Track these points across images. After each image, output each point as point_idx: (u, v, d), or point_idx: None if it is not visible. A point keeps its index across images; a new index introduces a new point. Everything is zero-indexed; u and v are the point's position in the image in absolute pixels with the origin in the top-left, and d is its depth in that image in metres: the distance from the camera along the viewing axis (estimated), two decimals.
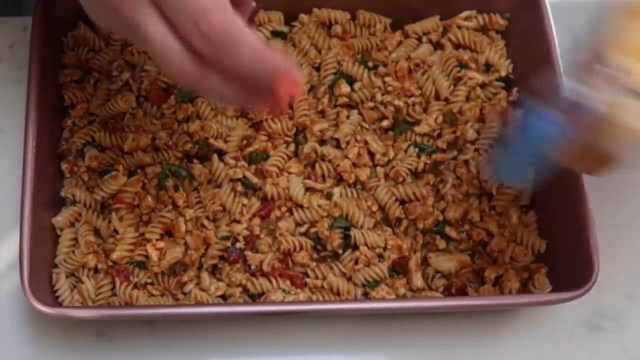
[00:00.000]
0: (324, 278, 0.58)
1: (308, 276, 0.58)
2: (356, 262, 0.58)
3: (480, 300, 0.57)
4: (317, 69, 0.64)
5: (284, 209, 0.60)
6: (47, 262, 0.57)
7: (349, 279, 0.58)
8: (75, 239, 0.58)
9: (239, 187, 0.60)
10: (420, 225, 0.59)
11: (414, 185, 0.60)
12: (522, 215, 0.61)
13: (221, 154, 0.61)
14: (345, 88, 0.62)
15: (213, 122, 0.61)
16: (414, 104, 0.63)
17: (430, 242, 0.59)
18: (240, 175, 0.60)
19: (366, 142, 0.61)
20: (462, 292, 0.58)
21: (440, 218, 0.60)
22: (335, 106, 0.63)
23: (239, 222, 0.59)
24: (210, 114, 0.62)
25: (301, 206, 0.59)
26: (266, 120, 0.61)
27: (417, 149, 0.62)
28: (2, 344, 0.57)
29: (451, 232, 0.59)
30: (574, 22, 0.50)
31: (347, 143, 0.61)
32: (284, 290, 0.57)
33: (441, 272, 0.59)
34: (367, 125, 0.62)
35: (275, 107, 0.50)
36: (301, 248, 0.58)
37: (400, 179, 0.60)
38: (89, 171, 0.60)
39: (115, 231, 0.58)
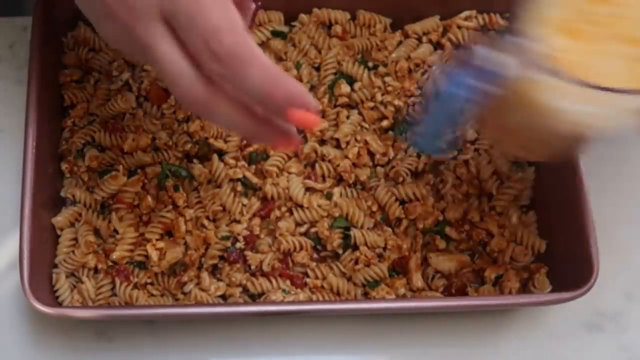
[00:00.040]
0: (324, 278, 0.58)
1: (308, 276, 0.58)
2: (356, 262, 0.58)
3: (480, 300, 0.57)
4: (317, 69, 0.64)
5: (284, 209, 0.60)
6: (47, 262, 0.57)
7: (349, 279, 0.58)
8: (75, 239, 0.58)
9: (239, 187, 0.60)
10: (420, 225, 0.59)
11: (414, 185, 0.60)
12: (522, 215, 0.61)
13: (221, 154, 0.61)
14: (345, 88, 0.62)
15: None
16: (414, 104, 0.63)
17: (430, 242, 0.59)
18: (240, 175, 0.60)
19: (366, 142, 0.61)
20: (462, 292, 0.58)
21: (440, 218, 0.60)
22: (335, 106, 0.63)
23: (239, 222, 0.59)
24: None
25: (301, 206, 0.59)
26: None
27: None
28: (2, 344, 0.57)
29: (451, 232, 0.59)
30: None
31: (347, 143, 0.61)
32: (284, 290, 0.57)
33: (441, 272, 0.59)
34: (367, 125, 0.62)
35: (285, 141, 0.46)
36: (301, 248, 0.58)
37: (400, 179, 0.60)
38: (89, 171, 0.60)
39: (115, 231, 0.58)
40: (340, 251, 0.59)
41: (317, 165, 0.61)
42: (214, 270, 0.58)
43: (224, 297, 0.57)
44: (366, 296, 0.57)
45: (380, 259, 0.58)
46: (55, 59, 0.63)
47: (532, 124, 0.45)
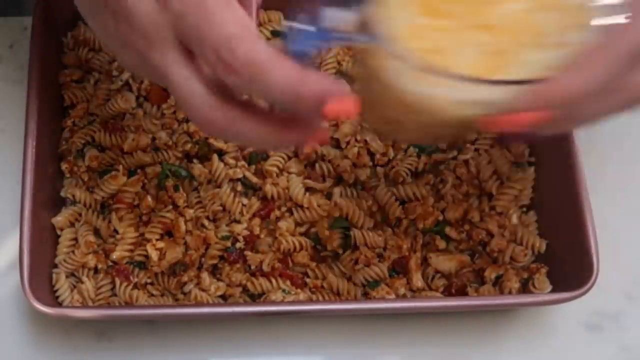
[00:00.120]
0: (324, 278, 0.58)
1: (308, 276, 0.58)
2: (356, 262, 0.58)
3: (480, 300, 0.57)
4: (317, 68, 0.64)
5: (284, 209, 0.60)
6: (47, 262, 0.57)
7: (349, 279, 0.58)
8: (75, 239, 0.58)
9: (239, 187, 0.60)
10: (420, 225, 0.59)
11: (414, 185, 0.60)
12: (522, 215, 0.61)
13: (221, 153, 0.61)
14: None
15: None
16: None
17: (430, 242, 0.59)
18: (240, 175, 0.60)
19: (366, 142, 0.61)
20: (462, 292, 0.58)
21: (440, 218, 0.60)
22: None
23: (239, 222, 0.59)
24: None
25: (301, 206, 0.59)
26: None
27: (417, 149, 0.62)
28: (2, 344, 0.57)
29: (451, 232, 0.59)
30: None
31: (347, 143, 0.61)
32: (284, 290, 0.57)
33: (441, 272, 0.59)
34: (367, 125, 0.62)
35: (318, 135, 0.42)
36: (301, 248, 0.58)
37: (400, 179, 0.60)
38: (89, 171, 0.60)
39: (115, 231, 0.58)
40: (340, 251, 0.59)
41: (317, 165, 0.61)
42: (214, 270, 0.58)
43: (224, 297, 0.57)
44: (366, 296, 0.57)
45: (380, 259, 0.58)
46: (55, 59, 0.63)
47: (389, 105, 0.43)
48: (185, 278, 0.57)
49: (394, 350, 0.58)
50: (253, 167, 0.60)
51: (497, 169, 0.61)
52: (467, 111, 0.39)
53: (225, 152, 0.61)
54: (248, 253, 0.58)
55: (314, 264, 0.58)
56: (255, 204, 0.59)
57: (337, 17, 0.40)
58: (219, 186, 0.60)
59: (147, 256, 0.57)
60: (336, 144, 0.62)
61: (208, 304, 0.56)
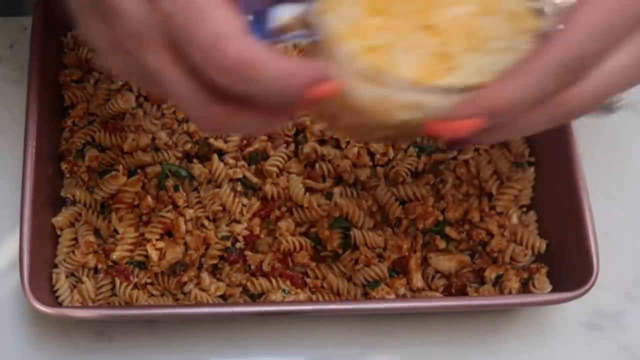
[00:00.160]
0: (324, 278, 0.58)
1: (308, 276, 0.58)
2: (356, 262, 0.58)
3: (480, 300, 0.57)
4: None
5: (284, 209, 0.60)
6: (47, 262, 0.57)
7: (349, 279, 0.58)
8: (75, 239, 0.58)
9: (239, 187, 0.60)
10: (420, 225, 0.59)
11: (414, 185, 0.60)
12: (522, 215, 0.61)
13: (221, 153, 0.61)
14: None
15: None
16: None
17: (430, 242, 0.59)
18: (240, 175, 0.60)
19: (366, 142, 0.61)
20: (462, 292, 0.58)
21: (440, 218, 0.59)
22: None
23: (239, 222, 0.59)
24: None
25: (301, 206, 0.59)
26: None
27: (417, 149, 0.62)
28: (2, 344, 0.57)
29: (451, 232, 0.59)
30: None
31: (347, 143, 0.61)
32: (284, 290, 0.57)
33: (441, 272, 0.59)
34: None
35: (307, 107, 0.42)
36: (301, 248, 0.58)
37: (400, 179, 0.60)
38: (89, 171, 0.60)
39: (115, 231, 0.58)
40: (340, 251, 0.59)
41: (317, 165, 0.61)
42: (214, 270, 0.58)
43: (224, 297, 0.57)
44: (366, 296, 0.57)
45: (380, 259, 0.58)
46: (55, 59, 0.63)
47: (334, 103, 0.41)
48: (185, 278, 0.57)
49: (394, 350, 0.58)
50: (253, 167, 0.60)
51: (497, 169, 0.61)
52: (408, 115, 0.38)
53: (225, 152, 0.61)
54: (248, 253, 0.58)
55: (314, 264, 0.58)
56: (255, 204, 0.59)
57: (282, 17, 0.41)
58: (219, 186, 0.60)
59: (147, 256, 0.57)
60: (336, 144, 0.62)
61: (208, 304, 0.56)
